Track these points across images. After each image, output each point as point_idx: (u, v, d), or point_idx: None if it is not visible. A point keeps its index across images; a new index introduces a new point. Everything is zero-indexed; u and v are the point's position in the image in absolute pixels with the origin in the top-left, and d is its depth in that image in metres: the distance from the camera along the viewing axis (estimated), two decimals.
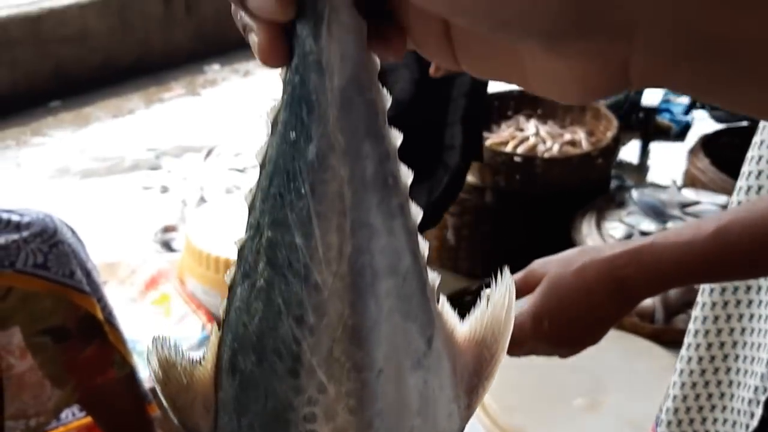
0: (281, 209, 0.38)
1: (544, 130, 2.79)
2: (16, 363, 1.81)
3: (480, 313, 0.45)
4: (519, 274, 0.94)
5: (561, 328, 0.81)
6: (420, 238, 0.41)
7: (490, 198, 2.63)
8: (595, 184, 2.68)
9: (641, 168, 3.46)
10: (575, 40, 0.31)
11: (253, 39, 0.36)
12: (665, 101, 3.67)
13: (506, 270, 0.46)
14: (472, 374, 0.44)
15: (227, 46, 4.53)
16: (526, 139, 2.74)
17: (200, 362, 0.42)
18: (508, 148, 2.68)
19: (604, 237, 2.44)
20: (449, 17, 0.33)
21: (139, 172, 3.38)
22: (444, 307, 0.44)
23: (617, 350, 1.93)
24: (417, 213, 0.40)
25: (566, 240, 2.48)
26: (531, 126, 2.80)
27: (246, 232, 0.40)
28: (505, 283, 0.45)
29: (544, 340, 0.88)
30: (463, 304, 1.69)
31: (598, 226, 2.50)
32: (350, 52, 0.36)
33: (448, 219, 2.66)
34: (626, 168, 3.40)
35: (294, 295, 0.38)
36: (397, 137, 0.39)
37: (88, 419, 2.02)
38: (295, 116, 0.37)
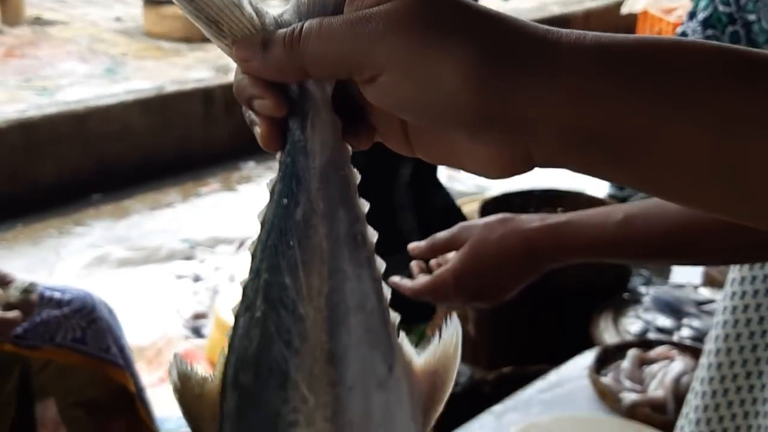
0: (275, 257, 0.49)
1: None
2: None
3: (433, 348, 0.54)
4: (446, 234, 1.04)
5: (479, 287, 0.90)
6: (383, 284, 0.51)
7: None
8: (615, 280, 2.75)
9: (662, 269, 3.52)
10: (487, 131, 0.42)
11: (257, 130, 0.48)
12: None
13: (454, 315, 0.55)
14: (427, 398, 0.54)
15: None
16: None
17: (210, 378, 0.52)
18: None
19: (621, 333, 2.51)
20: (400, 114, 0.45)
21: (173, 262, 3.52)
22: (404, 341, 0.53)
23: None
24: (381, 264, 0.51)
25: (585, 335, 2.54)
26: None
27: (249, 275, 0.50)
28: (454, 325, 0.55)
29: (463, 295, 0.99)
30: (483, 395, 1.81)
31: (615, 322, 2.57)
32: (328, 141, 0.49)
33: (468, 312, 2.74)
34: (647, 271, 3.46)
35: (284, 324, 0.49)
36: (365, 205, 0.50)
37: None
38: (287, 187, 0.49)
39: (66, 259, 3.50)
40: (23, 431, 1.83)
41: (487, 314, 2.75)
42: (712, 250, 0.91)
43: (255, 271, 0.50)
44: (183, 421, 1.94)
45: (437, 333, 0.54)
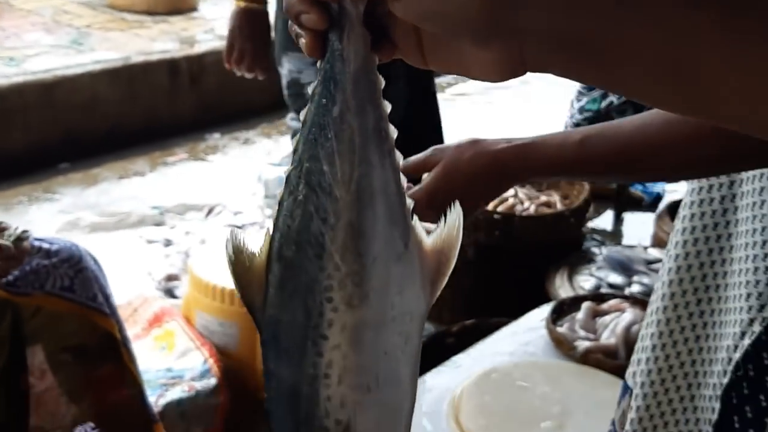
0: (315, 148, 0.61)
1: (522, 192, 3.05)
2: (36, 383, 1.99)
3: (439, 230, 0.67)
4: (420, 156, 1.14)
5: (450, 203, 1.01)
6: (401, 174, 0.64)
7: (471, 253, 2.86)
8: (569, 241, 2.92)
9: (615, 234, 3.70)
10: (490, 36, 0.55)
11: (302, 41, 0.60)
12: None
13: (456, 203, 0.68)
14: (434, 272, 0.66)
15: (228, 116, 4.79)
16: (506, 200, 2.99)
17: (258, 253, 0.64)
18: (489, 208, 2.92)
19: (576, 288, 2.67)
20: (422, 25, 0.57)
21: (144, 228, 3.61)
22: (416, 223, 0.66)
23: (583, 382, 2.13)
24: (399, 157, 0.63)
25: (541, 291, 2.70)
26: (510, 189, 3.06)
27: (292, 165, 0.63)
28: (456, 211, 0.67)
29: (435, 212, 1.11)
30: (446, 346, 1.98)
31: (570, 279, 2.73)
32: (360, 50, 0.61)
33: None
34: (601, 233, 3.64)
35: (321, 204, 0.61)
36: (387, 105, 0.62)
37: None
38: (326, 89, 0.61)
39: (38, 224, 3.57)
40: (15, 375, 1.93)
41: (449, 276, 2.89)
42: (662, 165, 1.02)
43: (297, 161, 0.62)
44: (160, 374, 2.08)
45: (443, 219, 0.67)
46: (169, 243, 3.45)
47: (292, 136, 2.53)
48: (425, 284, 0.66)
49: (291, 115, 2.60)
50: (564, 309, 2.44)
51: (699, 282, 1.18)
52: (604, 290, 2.63)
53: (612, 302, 2.42)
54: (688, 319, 1.19)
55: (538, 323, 2.42)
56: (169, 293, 3.07)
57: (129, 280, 3.08)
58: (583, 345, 2.24)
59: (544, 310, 2.45)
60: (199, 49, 4.98)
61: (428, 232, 0.67)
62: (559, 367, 2.22)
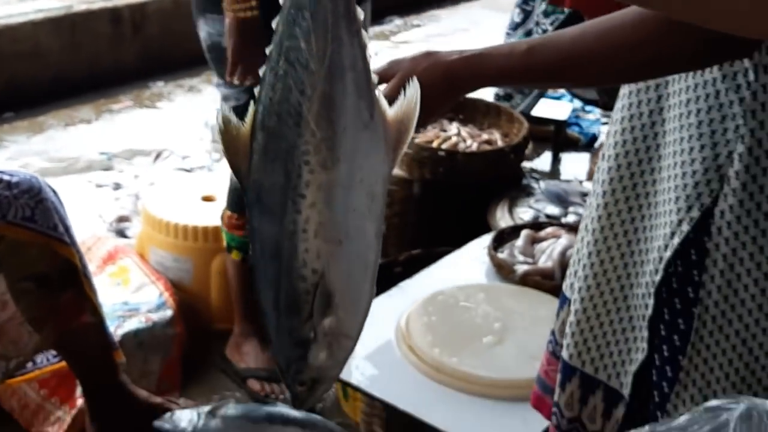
0: (293, 27, 0.71)
1: (464, 131, 3.17)
2: None
3: (399, 103, 0.77)
4: (377, 69, 1.19)
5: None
6: (367, 52, 0.74)
7: (417, 189, 2.97)
8: (509, 177, 3.06)
9: (553, 174, 3.85)
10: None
11: None
12: (575, 116, 4.08)
13: (414, 79, 0.78)
14: (396, 140, 0.77)
15: (172, 65, 4.81)
16: (449, 138, 3.11)
17: (243, 125, 0.74)
18: (434, 145, 3.04)
19: (515, 220, 2.81)
20: None
21: (92, 172, 3.65)
22: (380, 96, 0.76)
23: (522, 302, 2.27)
24: (366, 37, 0.73)
25: (483, 224, 2.83)
26: (453, 127, 3.18)
27: (272, 45, 0.72)
28: (414, 86, 0.77)
29: None
30: (393, 274, 2.11)
31: (510, 211, 2.87)
32: None
33: None
34: (540, 173, 3.79)
35: (299, 78, 0.71)
36: None
37: (61, 365, 2.24)
38: None
39: None
40: None
41: (396, 211, 3.01)
42: (597, 70, 1.13)
43: (278, 41, 0.72)
44: (117, 307, 2.16)
45: (402, 92, 0.77)
46: (119, 186, 3.50)
47: (225, 101, 2.44)
48: (388, 150, 0.76)
49: (216, 80, 2.48)
50: (504, 237, 2.58)
51: (630, 191, 1.30)
52: (542, 221, 2.77)
53: (549, 230, 2.56)
54: (621, 226, 1.31)
55: (480, 251, 2.55)
56: (121, 234, 3.13)
57: (81, 222, 3.12)
58: (522, 268, 2.38)
59: (486, 239, 2.58)
60: None
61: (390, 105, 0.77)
62: (499, 288, 2.36)
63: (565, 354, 1.39)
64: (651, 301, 1.24)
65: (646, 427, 0.64)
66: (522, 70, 1.12)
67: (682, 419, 0.65)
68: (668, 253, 1.20)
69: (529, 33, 3.90)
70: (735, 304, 1.16)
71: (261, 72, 0.73)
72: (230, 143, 0.74)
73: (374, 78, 0.75)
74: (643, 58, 1.08)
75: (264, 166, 0.74)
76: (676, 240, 1.19)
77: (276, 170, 0.73)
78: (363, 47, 0.73)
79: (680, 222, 1.19)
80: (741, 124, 1.11)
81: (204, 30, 2.43)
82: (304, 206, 0.73)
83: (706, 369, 1.22)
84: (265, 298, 0.76)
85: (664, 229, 1.22)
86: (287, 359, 0.77)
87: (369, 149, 0.74)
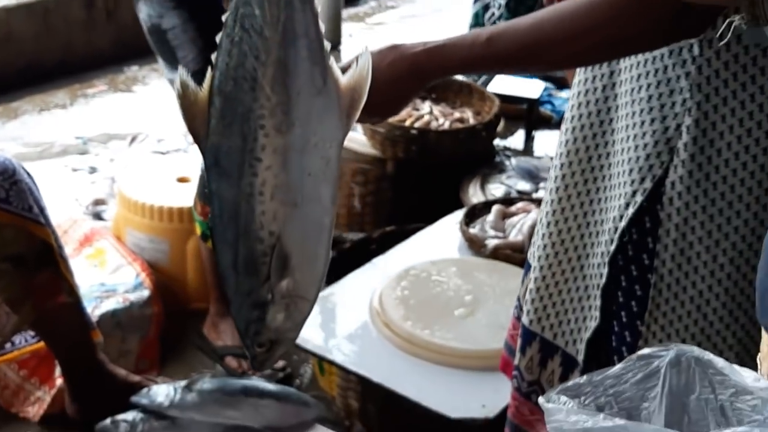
0: None
1: (437, 109, 3.20)
2: None
3: (352, 70, 0.80)
4: (344, 63, 1.28)
5: (374, 104, 1.00)
6: (319, 20, 0.77)
7: (390, 168, 3.00)
8: (481, 154, 3.10)
9: (526, 152, 3.89)
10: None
11: None
12: (547, 94, 4.12)
13: (366, 47, 0.81)
14: (349, 106, 0.80)
15: (145, 49, 4.78)
16: (422, 117, 3.15)
17: (201, 90, 0.77)
18: (406, 124, 3.07)
19: (487, 196, 2.85)
20: None
21: (68, 157, 3.65)
22: (333, 64, 0.79)
23: (493, 275, 2.32)
24: (317, 5, 0.76)
25: (456, 200, 2.87)
26: (426, 106, 3.21)
27: (229, 12, 0.75)
28: (366, 54, 0.81)
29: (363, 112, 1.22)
30: (370, 250, 2.14)
31: (483, 187, 2.91)
32: None
33: (354, 188, 3.03)
34: (512, 151, 3.83)
35: (254, 44, 0.74)
36: None
37: (40, 345, 2.26)
38: None
39: None
40: None
41: (370, 190, 3.04)
42: (555, 56, 1.16)
43: (234, 8, 0.75)
44: (94, 288, 2.17)
45: (355, 60, 0.80)
46: (94, 170, 3.51)
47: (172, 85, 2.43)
48: (342, 116, 0.80)
49: (162, 64, 2.46)
50: (476, 213, 2.62)
51: (585, 164, 1.34)
52: (513, 196, 2.81)
53: (519, 204, 2.61)
54: (577, 197, 1.36)
55: (452, 226, 2.59)
56: (97, 216, 3.14)
57: (57, 206, 3.13)
58: (492, 243, 2.42)
59: (458, 215, 2.62)
60: None
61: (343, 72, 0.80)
62: (471, 262, 2.40)
63: (525, 319, 1.43)
64: (605, 270, 1.29)
65: (584, 377, 0.68)
66: (483, 60, 1.15)
67: (617, 367, 0.68)
68: (623, 223, 1.25)
69: (486, 6, 3.94)
70: (688, 272, 1.21)
71: (217, 38, 0.76)
72: (188, 108, 0.77)
73: (326, 45, 0.78)
74: (597, 42, 1.12)
75: (221, 130, 0.77)
76: (631, 210, 1.24)
77: (233, 134, 0.76)
78: (315, 15, 0.76)
79: (634, 193, 1.23)
80: (688, 98, 1.16)
81: (144, 12, 2.39)
82: (260, 169, 0.76)
83: (663, 335, 1.27)
84: (224, 260, 0.79)
85: (618, 201, 1.27)
86: (246, 321, 0.80)
87: (323, 114, 0.78)
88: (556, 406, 0.61)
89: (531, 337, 1.44)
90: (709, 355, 0.66)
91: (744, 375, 0.64)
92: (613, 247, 1.27)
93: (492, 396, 1.94)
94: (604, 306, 1.30)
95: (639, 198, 1.23)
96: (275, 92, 0.75)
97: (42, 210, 2.11)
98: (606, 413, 0.62)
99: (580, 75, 1.35)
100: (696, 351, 0.66)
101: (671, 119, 1.18)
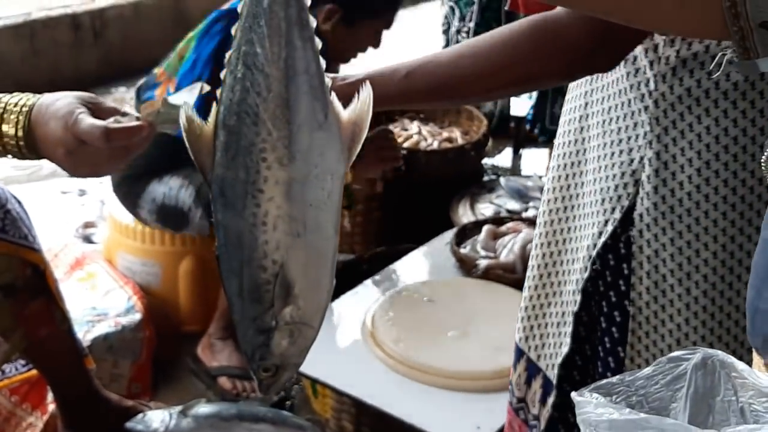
0: (250, 33, 0.76)
1: (425, 129, 3.23)
2: None
3: (353, 105, 0.82)
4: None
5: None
6: (320, 57, 0.78)
7: (380, 187, 3.02)
8: (470, 173, 3.12)
9: (513, 170, 3.92)
10: None
11: None
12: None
13: (367, 83, 0.82)
14: (350, 140, 0.81)
15: (133, 70, 4.81)
16: (411, 137, 3.17)
17: (206, 124, 0.78)
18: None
19: (477, 215, 2.87)
20: None
21: (57, 179, 3.65)
22: (334, 98, 0.81)
23: (485, 295, 2.33)
24: (319, 43, 0.78)
25: (446, 220, 2.89)
26: (414, 126, 3.24)
27: (232, 49, 0.77)
28: (367, 89, 0.82)
29: None
30: (361, 271, 2.16)
31: (472, 207, 2.92)
32: None
33: (344, 210, 3.05)
34: (500, 170, 3.86)
35: (256, 80, 0.76)
36: (308, 2, 0.77)
37: (31, 373, 2.25)
38: None
39: None
40: None
41: (360, 210, 3.05)
42: (472, 91, 1.20)
43: (236, 46, 0.76)
44: (86, 312, 2.15)
45: (357, 95, 0.82)
46: (84, 192, 3.51)
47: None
48: (343, 149, 0.81)
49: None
50: (466, 233, 2.63)
51: (565, 191, 1.37)
52: (503, 216, 2.83)
53: (510, 224, 2.62)
54: (558, 224, 1.39)
55: (443, 246, 2.60)
56: (88, 240, 3.14)
57: (47, 229, 3.13)
58: (484, 263, 2.43)
59: (449, 235, 2.64)
60: (101, 3, 4.97)
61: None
62: (463, 283, 2.42)
63: (516, 336, 1.46)
64: (578, 297, 1.31)
65: (616, 377, 0.70)
66: (400, 94, 1.18)
67: (648, 370, 0.71)
68: (595, 252, 1.27)
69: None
70: (665, 305, 1.22)
71: (222, 75, 0.77)
72: (194, 141, 0.78)
73: (327, 82, 0.79)
74: (513, 78, 1.15)
75: (225, 163, 0.78)
76: (602, 239, 1.26)
77: (236, 166, 0.78)
78: (315, 52, 0.78)
79: (606, 222, 1.26)
80: (648, 131, 1.18)
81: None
82: (262, 200, 0.78)
83: (645, 365, 1.28)
84: (230, 287, 0.80)
85: (592, 229, 1.29)
86: (252, 346, 0.82)
87: (324, 147, 0.79)
88: (586, 399, 0.64)
89: (520, 355, 1.47)
90: (731, 359, 0.68)
91: (761, 378, 0.67)
92: (586, 275, 1.29)
93: (486, 417, 1.95)
94: (576, 332, 1.32)
95: (610, 227, 1.25)
96: (276, 127, 0.76)
97: (35, 237, 2.11)
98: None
99: (567, 102, 1.37)
100: (720, 355, 0.69)
101: (636, 152, 1.20)
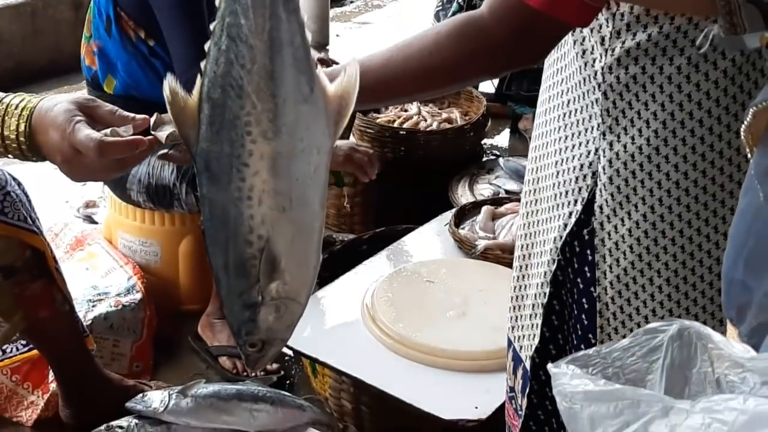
0: (234, 4, 0.75)
1: (425, 110, 3.22)
2: None
3: (340, 80, 0.81)
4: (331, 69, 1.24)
5: None
6: (306, 30, 0.78)
7: (379, 168, 3.01)
8: (469, 153, 3.11)
9: (513, 150, 3.90)
10: None
11: None
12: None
13: (354, 57, 0.82)
14: (336, 114, 0.81)
15: None
16: (410, 117, 3.16)
17: (190, 96, 0.78)
18: (395, 125, 3.08)
19: (476, 196, 2.86)
20: None
21: None
22: (320, 73, 0.80)
23: (483, 276, 2.32)
24: (304, 15, 0.77)
25: (445, 200, 2.89)
26: (414, 107, 3.23)
27: (216, 20, 0.76)
28: (353, 63, 0.82)
29: None
30: (360, 251, 2.16)
31: (471, 188, 2.92)
32: None
33: (344, 189, 3.04)
34: (500, 150, 3.85)
35: (240, 52, 0.75)
36: None
37: (32, 353, 2.26)
38: None
39: None
40: None
41: (359, 190, 3.05)
42: (406, 93, 1.22)
43: (220, 17, 0.76)
44: (87, 291, 2.15)
45: (344, 70, 0.81)
46: None
47: None
48: (329, 123, 0.81)
49: None
50: (465, 213, 2.63)
51: (535, 184, 1.37)
52: (501, 196, 2.82)
53: (509, 205, 2.62)
54: (531, 216, 1.39)
55: (441, 227, 2.60)
56: (89, 219, 3.14)
57: (47, 209, 3.13)
58: (482, 244, 2.43)
59: (447, 216, 2.63)
60: None
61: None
62: (461, 263, 2.41)
63: (507, 326, 1.46)
64: (547, 290, 1.32)
65: (592, 350, 0.70)
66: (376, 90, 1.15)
67: (624, 342, 0.71)
68: (559, 244, 1.28)
69: None
70: (630, 298, 1.22)
71: (206, 47, 0.77)
72: (178, 114, 0.78)
73: (313, 54, 0.79)
74: (441, 79, 1.16)
75: (210, 136, 0.78)
76: (565, 232, 1.27)
77: (221, 140, 0.78)
78: (301, 24, 0.77)
79: (570, 214, 1.26)
80: (600, 123, 1.18)
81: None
82: (248, 174, 0.77)
83: None
84: (216, 262, 0.80)
85: (557, 221, 1.30)
86: (238, 321, 0.81)
87: (309, 121, 0.79)
88: (562, 371, 0.64)
89: (509, 344, 1.48)
90: (708, 330, 0.68)
91: (737, 348, 0.66)
92: (554, 267, 1.30)
93: (484, 397, 1.95)
94: (549, 322, 1.33)
95: (573, 219, 1.26)
96: (261, 100, 0.76)
97: (34, 220, 2.11)
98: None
99: (540, 96, 1.37)
100: (697, 326, 0.69)
101: (591, 143, 1.21)
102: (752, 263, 0.72)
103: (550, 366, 0.66)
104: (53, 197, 3.24)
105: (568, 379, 0.62)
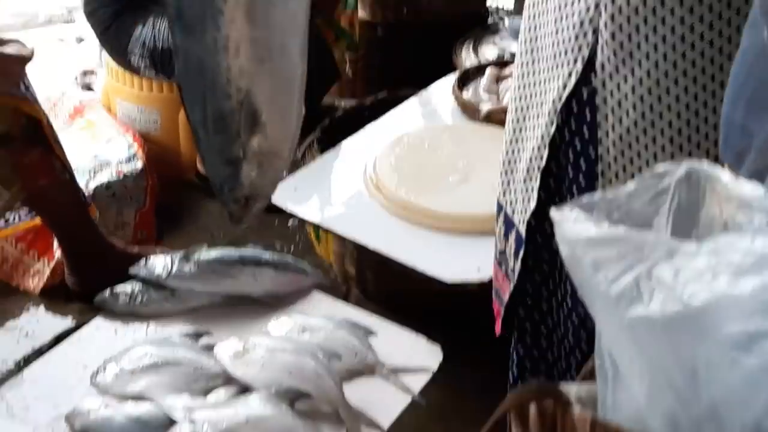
0: None
1: None
2: None
3: None
4: None
5: None
6: None
7: (381, 32, 2.93)
8: (474, 15, 3.02)
9: (518, 10, 3.79)
10: None
11: None
12: None
13: None
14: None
15: None
16: None
17: None
18: None
19: (480, 59, 2.79)
20: None
21: (53, 26, 3.57)
22: None
23: (486, 140, 2.29)
24: None
25: (448, 63, 2.82)
26: None
27: None
28: None
29: None
30: (362, 117, 2.10)
31: (475, 50, 2.84)
32: None
33: (346, 54, 2.98)
34: (505, 12, 3.74)
35: None
36: None
37: (35, 221, 2.27)
38: None
39: None
40: None
41: (360, 55, 2.98)
42: None
43: None
44: (87, 160, 2.13)
45: None
46: (81, 39, 3.43)
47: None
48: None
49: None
50: (469, 76, 2.57)
51: (532, 43, 1.31)
52: (506, 59, 2.75)
53: (513, 67, 2.54)
54: (526, 77, 1.33)
55: (445, 91, 2.55)
56: (87, 87, 3.09)
57: (45, 78, 3.08)
58: (486, 107, 2.38)
59: (451, 79, 2.57)
60: None
61: None
62: (464, 128, 2.37)
63: (497, 190, 1.44)
64: (545, 152, 1.28)
65: (596, 195, 0.67)
66: None
67: (630, 186, 0.68)
68: (560, 105, 1.23)
69: None
70: (632, 158, 1.19)
71: None
72: None
73: None
74: None
75: None
76: (566, 92, 1.22)
77: None
78: None
79: (570, 74, 1.21)
80: None
81: None
82: (223, 22, 0.73)
83: None
84: (194, 116, 0.77)
85: (557, 82, 1.25)
86: (220, 178, 0.79)
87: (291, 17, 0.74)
88: (565, 215, 0.62)
89: (500, 208, 1.46)
90: (716, 171, 0.66)
91: (746, 187, 0.64)
92: (552, 129, 1.26)
93: (486, 259, 1.93)
94: (546, 185, 1.30)
95: (573, 79, 1.21)
96: None
97: (28, 88, 2.07)
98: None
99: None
100: (705, 166, 0.66)
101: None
102: (754, 106, 0.68)
103: (552, 210, 0.63)
104: (50, 66, 3.18)
105: (571, 223, 0.59)
